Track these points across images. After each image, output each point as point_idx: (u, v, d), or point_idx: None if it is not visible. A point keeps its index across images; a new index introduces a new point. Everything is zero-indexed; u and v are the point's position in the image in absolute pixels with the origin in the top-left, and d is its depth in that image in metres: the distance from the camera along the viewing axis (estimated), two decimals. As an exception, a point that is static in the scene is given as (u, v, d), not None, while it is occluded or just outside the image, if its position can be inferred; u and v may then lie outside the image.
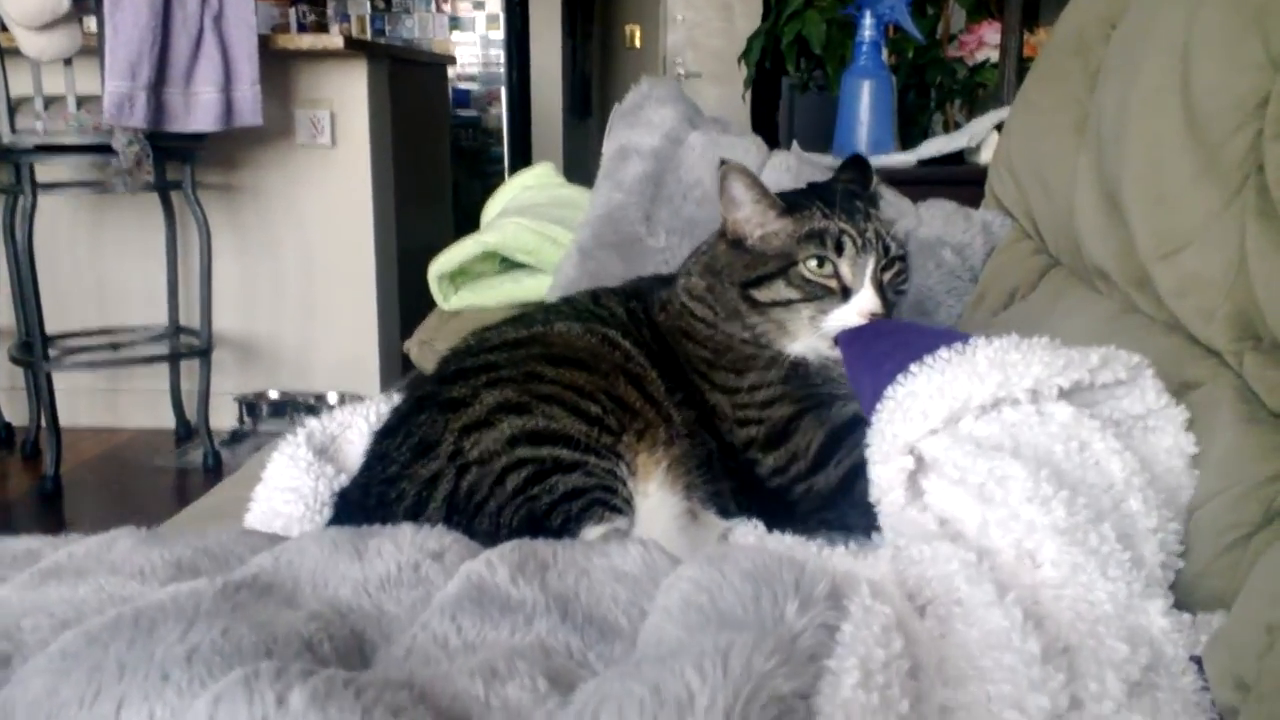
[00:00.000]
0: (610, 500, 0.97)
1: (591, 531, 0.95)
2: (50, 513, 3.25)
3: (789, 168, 1.66)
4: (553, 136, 6.51)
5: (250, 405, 3.80)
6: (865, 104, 2.25)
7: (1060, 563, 0.78)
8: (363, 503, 1.01)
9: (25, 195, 3.25)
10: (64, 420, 3.38)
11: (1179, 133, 1.12)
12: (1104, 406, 0.96)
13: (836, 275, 1.11)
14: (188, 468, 3.58)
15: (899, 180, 2.25)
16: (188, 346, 3.66)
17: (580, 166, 6.94)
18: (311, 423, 1.21)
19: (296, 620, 0.56)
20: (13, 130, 3.23)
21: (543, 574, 0.67)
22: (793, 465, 1.10)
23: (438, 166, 4.83)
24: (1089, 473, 0.87)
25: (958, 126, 2.71)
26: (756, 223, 1.14)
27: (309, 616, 0.59)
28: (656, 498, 1.01)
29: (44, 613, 0.59)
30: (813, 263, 1.11)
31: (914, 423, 0.92)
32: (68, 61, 3.16)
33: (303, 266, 3.85)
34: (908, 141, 2.52)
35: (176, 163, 3.44)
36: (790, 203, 1.14)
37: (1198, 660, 0.72)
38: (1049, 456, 0.88)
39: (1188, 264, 1.08)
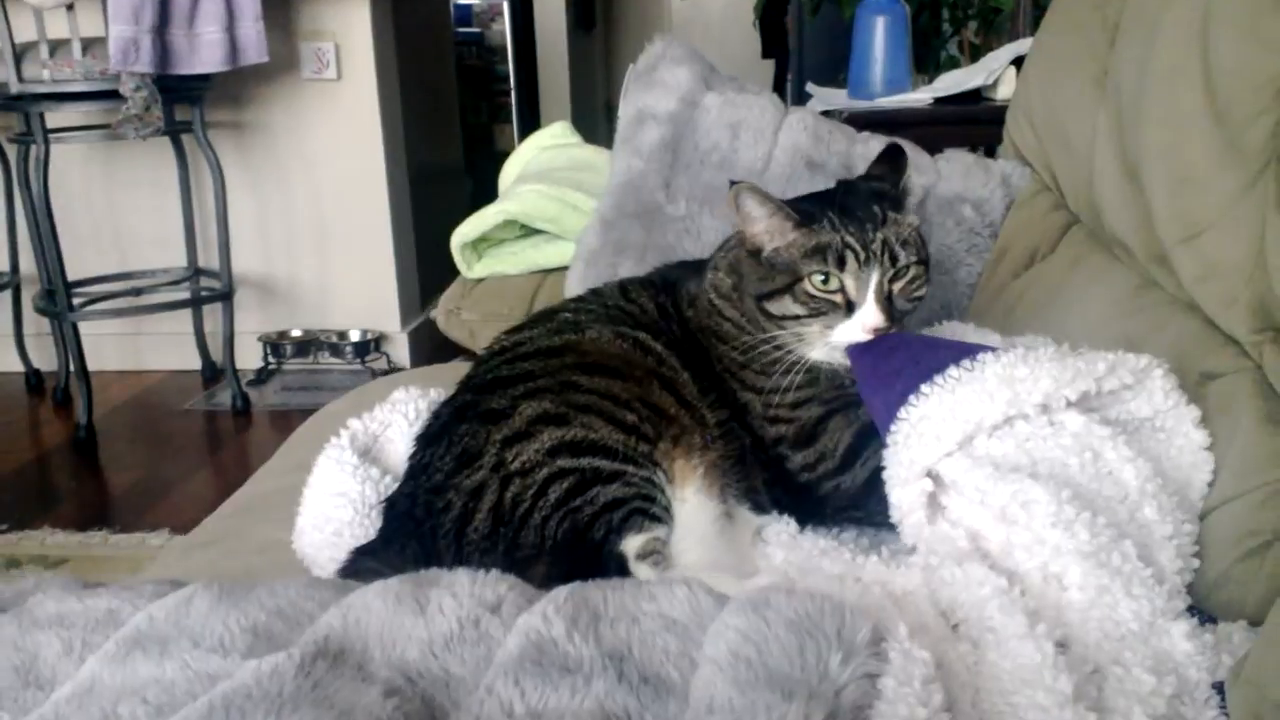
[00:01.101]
0: (649, 509, 1.01)
1: (632, 541, 0.99)
2: (86, 461, 3.32)
3: (806, 127, 1.65)
4: (557, 51, 6.41)
5: (274, 345, 3.85)
6: (879, 40, 2.23)
7: (1086, 586, 0.82)
8: (411, 512, 1.05)
9: (38, 144, 3.26)
10: (91, 364, 3.42)
11: (1199, 111, 1.12)
12: (1112, 410, 0.99)
13: (842, 290, 1.10)
14: (216, 410, 3.64)
15: (915, 121, 2.25)
16: (209, 290, 3.69)
17: (586, 78, 6.85)
18: (354, 424, 1.25)
19: (374, 702, 0.61)
20: (20, 79, 3.22)
21: (596, 626, 0.71)
22: (821, 464, 1.13)
23: (443, 89, 4.79)
24: (1104, 484, 0.91)
25: (974, 50, 2.68)
26: (772, 235, 1.14)
27: (384, 693, 0.63)
28: (694, 503, 1.04)
29: (137, 697, 0.63)
30: (817, 279, 1.10)
31: (929, 447, 0.95)
32: (70, 6, 3.13)
33: (316, 202, 3.85)
34: (922, 67, 2.50)
35: (185, 105, 3.44)
36: (804, 212, 1.13)
37: (1220, 686, 0.76)
38: (1065, 472, 0.91)
39: (1208, 248, 1.09)
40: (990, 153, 2.03)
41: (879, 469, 1.07)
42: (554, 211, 1.76)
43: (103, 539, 2.77)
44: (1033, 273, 1.50)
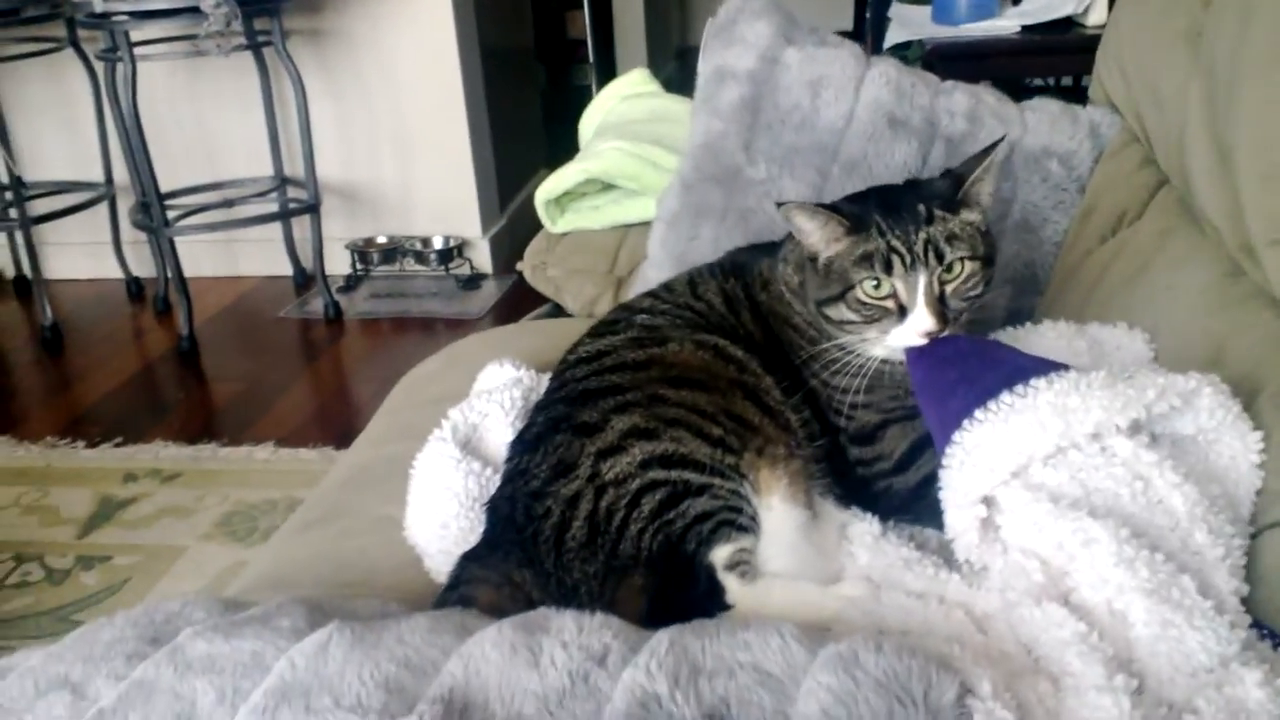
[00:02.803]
0: (736, 519, 1.06)
1: (720, 551, 1.05)
2: (190, 371, 3.49)
3: (889, 80, 1.63)
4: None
5: (361, 253, 3.94)
6: (965, -39, 2.16)
7: (1151, 621, 0.86)
8: (511, 516, 1.12)
9: (125, 61, 3.33)
10: (187, 271, 3.56)
11: (1292, 107, 1.10)
12: (1158, 425, 1.02)
13: (894, 295, 1.12)
14: (309, 317, 3.77)
15: (1002, 51, 2.19)
16: (297, 201, 3.78)
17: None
18: (454, 414, 1.31)
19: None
20: (104, -1, 3.28)
21: (695, 681, 0.78)
22: (878, 463, 1.18)
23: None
24: (1155, 514, 0.94)
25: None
26: (826, 244, 1.15)
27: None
28: (779, 510, 1.10)
29: (289, 758, 0.72)
30: (868, 285, 1.12)
31: (983, 477, 0.99)
32: (149, -76, 3.15)
33: (394, 108, 3.88)
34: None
35: (264, 17, 3.47)
36: (855, 217, 1.14)
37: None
38: (1118, 504, 0.95)
39: (1296, 254, 1.09)
40: (1080, 83, 1.98)
41: (929, 476, 1.11)
42: (634, 169, 1.78)
43: (212, 452, 2.93)
44: (1120, 238, 1.49)
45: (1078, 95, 1.84)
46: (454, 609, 0.99)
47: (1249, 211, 1.16)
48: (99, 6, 3.30)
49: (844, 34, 1.77)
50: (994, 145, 1.19)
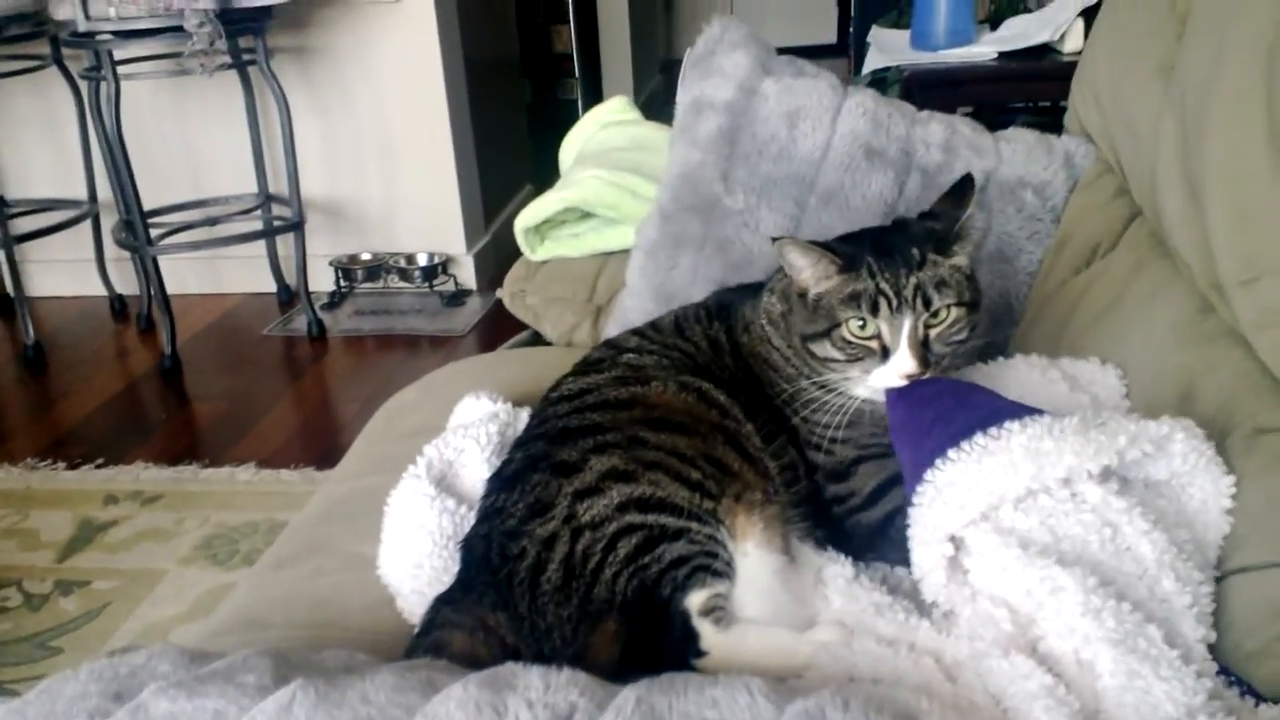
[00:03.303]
0: (711, 564, 1.06)
1: (695, 597, 1.05)
2: (173, 390, 3.47)
3: (865, 111, 1.64)
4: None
5: (345, 270, 3.93)
6: (944, -13, 2.16)
7: (1117, 672, 0.86)
8: (487, 556, 1.11)
9: (109, 81, 3.32)
10: (171, 288, 3.56)
11: (1261, 149, 1.10)
12: (1130, 471, 1.02)
13: (878, 336, 1.13)
14: (293, 335, 3.76)
15: (979, 78, 2.20)
16: (281, 219, 3.78)
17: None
18: (429, 451, 1.31)
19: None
20: (87, 17, 3.28)
21: (661, 740, 0.78)
22: (849, 499, 1.18)
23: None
24: (1124, 561, 0.95)
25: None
26: (817, 280, 1.16)
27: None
28: (754, 556, 1.09)
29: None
30: (854, 324, 1.13)
31: (952, 515, 0.99)
32: (132, -55, 3.15)
33: (379, 125, 3.88)
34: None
35: (248, 35, 3.46)
36: (847, 256, 1.15)
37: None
38: (1087, 551, 0.95)
39: (1266, 294, 1.08)
40: (1057, 108, 1.99)
41: (895, 511, 1.12)
42: (614, 198, 1.78)
43: (193, 473, 2.92)
44: (1094, 270, 1.50)
45: (1056, 115, 1.84)
46: (423, 659, 0.99)
47: (1218, 251, 1.16)
48: (83, 25, 3.30)
49: (827, 48, 1.78)
50: (967, 180, 1.20)
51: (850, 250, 1.17)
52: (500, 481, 1.18)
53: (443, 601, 1.12)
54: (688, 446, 1.13)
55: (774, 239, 1.16)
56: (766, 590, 1.08)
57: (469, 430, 1.33)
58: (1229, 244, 1.14)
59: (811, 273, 1.17)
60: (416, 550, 1.22)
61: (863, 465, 1.19)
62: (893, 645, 0.99)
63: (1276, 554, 0.97)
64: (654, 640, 1.04)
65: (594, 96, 5.29)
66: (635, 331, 1.34)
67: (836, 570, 1.13)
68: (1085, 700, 0.87)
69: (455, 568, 1.16)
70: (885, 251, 1.15)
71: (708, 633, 1.04)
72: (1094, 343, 1.35)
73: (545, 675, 0.85)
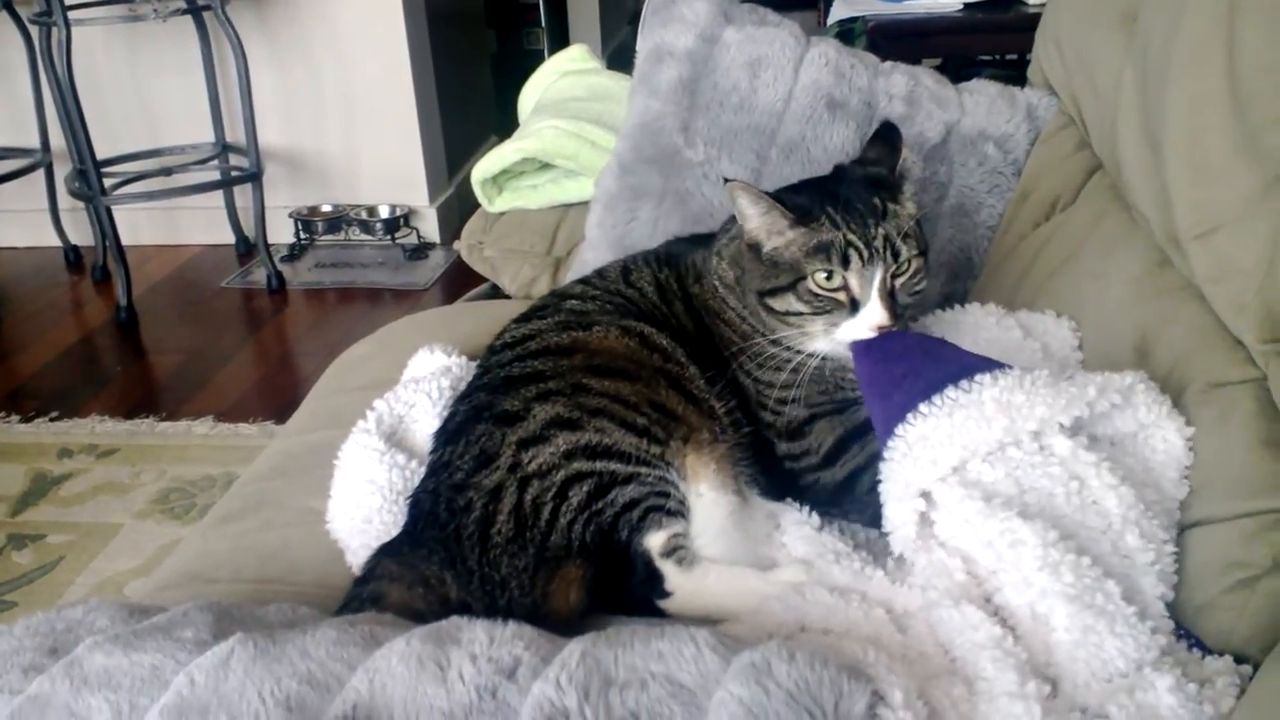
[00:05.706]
0: (665, 504, 1.06)
1: (654, 538, 1.05)
2: (129, 342, 3.42)
3: (828, 61, 1.61)
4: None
5: (305, 221, 3.87)
6: (910, -64, 2.13)
7: (1072, 627, 0.86)
8: (434, 511, 1.10)
9: (60, 26, 3.23)
10: (127, 239, 3.48)
11: (1221, 99, 1.09)
12: (1098, 426, 1.02)
13: (845, 288, 1.12)
14: (252, 288, 3.70)
15: (945, 29, 2.17)
16: (238, 169, 3.70)
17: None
18: (380, 404, 1.29)
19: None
20: (36, -41, 3.19)
21: (606, 693, 0.77)
22: (805, 457, 1.18)
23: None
24: (1088, 515, 0.95)
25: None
26: (769, 233, 1.15)
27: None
28: (709, 497, 1.10)
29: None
30: (820, 276, 1.11)
31: (924, 470, 0.99)
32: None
33: (339, 75, 3.80)
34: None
35: (203, -19, 3.38)
36: (801, 208, 1.13)
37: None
38: (1051, 504, 0.95)
39: (1221, 248, 1.08)
40: (1024, 60, 1.97)
41: (856, 470, 1.12)
42: (573, 149, 1.76)
43: (150, 427, 2.88)
44: (1053, 223, 1.49)
45: (1023, 68, 1.83)
46: (366, 614, 0.98)
47: (1176, 205, 1.15)
48: (29, -34, 3.20)
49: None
50: (887, 125, 1.25)
51: (803, 202, 1.15)
52: (446, 435, 1.16)
53: (385, 553, 1.11)
54: (631, 392, 1.12)
55: (726, 180, 1.14)
56: (722, 530, 1.09)
57: (421, 384, 1.32)
58: (1186, 198, 1.14)
59: (760, 223, 1.15)
60: (366, 505, 1.20)
61: (818, 423, 1.18)
62: (845, 595, 0.99)
63: (1226, 508, 0.97)
64: (619, 584, 1.05)
65: (560, 46, 5.17)
66: (581, 280, 1.33)
67: (798, 517, 1.13)
68: (1036, 653, 0.88)
69: (404, 522, 1.15)
70: (843, 202, 1.14)
71: (671, 573, 1.04)
72: (1051, 297, 1.35)
73: (489, 629, 0.85)
